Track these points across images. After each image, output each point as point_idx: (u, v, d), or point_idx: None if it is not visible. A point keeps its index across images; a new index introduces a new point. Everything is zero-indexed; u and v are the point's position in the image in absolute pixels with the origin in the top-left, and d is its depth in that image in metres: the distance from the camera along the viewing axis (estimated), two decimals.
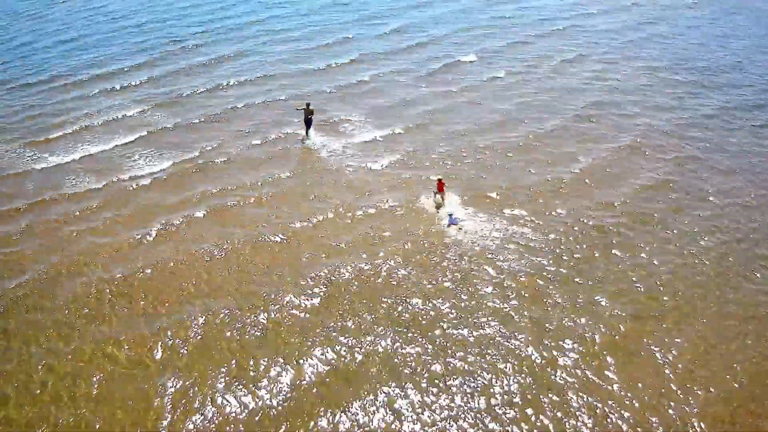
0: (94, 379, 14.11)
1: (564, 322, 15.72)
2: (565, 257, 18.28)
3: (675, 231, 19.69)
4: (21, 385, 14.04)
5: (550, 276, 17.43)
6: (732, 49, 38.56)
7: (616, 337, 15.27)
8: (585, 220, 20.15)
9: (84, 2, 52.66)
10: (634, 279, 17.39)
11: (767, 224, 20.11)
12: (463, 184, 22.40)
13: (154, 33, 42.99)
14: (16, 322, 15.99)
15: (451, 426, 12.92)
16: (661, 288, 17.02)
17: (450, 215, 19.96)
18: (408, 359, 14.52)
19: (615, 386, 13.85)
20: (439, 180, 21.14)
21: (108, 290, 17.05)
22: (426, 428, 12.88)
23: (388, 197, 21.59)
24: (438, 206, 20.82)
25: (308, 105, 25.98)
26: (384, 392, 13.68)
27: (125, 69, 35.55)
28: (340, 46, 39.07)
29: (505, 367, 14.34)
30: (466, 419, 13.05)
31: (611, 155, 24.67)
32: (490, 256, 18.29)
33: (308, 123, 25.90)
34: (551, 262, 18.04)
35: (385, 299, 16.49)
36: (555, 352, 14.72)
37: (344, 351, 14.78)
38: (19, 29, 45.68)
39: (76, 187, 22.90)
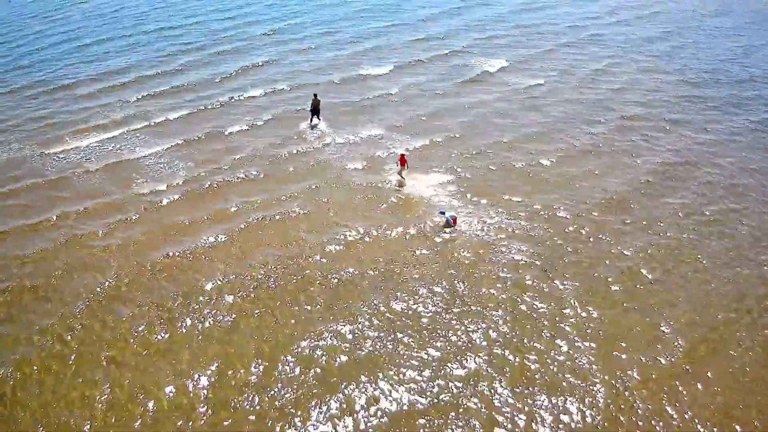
0: None
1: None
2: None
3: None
4: None
5: None
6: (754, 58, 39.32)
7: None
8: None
9: (104, 7, 53.25)
10: None
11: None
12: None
13: (173, 39, 43.54)
14: None
15: None
16: None
17: (447, 216, 20.66)
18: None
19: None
20: (402, 155, 23.36)
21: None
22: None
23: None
24: (400, 183, 23.16)
25: (315, 96, 28.19)
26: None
27: (147, 75, 36.16)
28: (373, 53, 39.73)
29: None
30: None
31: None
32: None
33: (315, 112, 28.22)
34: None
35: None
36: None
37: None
38: (40, 31, 46.37)
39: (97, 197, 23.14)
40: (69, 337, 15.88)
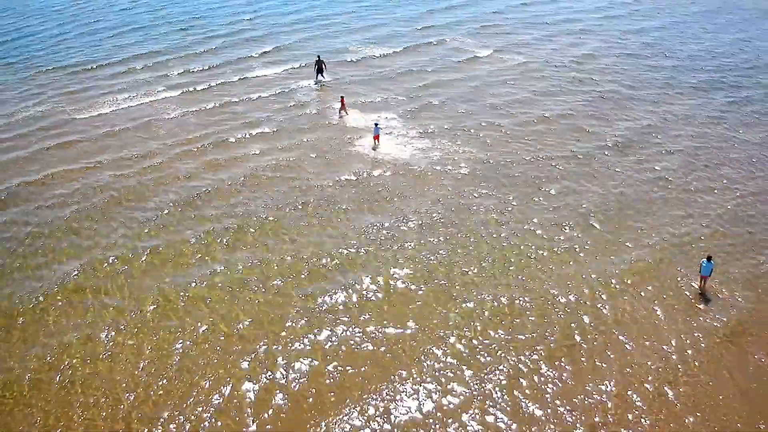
0: None
1: None
2: None
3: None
4: None
5: None
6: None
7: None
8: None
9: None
10: None
11: None
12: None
13: (196, 28, 48.08)
14: None
15: None
16: None
17: (376, 124, 27.40)
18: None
19: None
20: (342, 98, 30.87)
21: None
22: None
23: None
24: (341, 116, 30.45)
25: (318, 56, 35.14)
26: None
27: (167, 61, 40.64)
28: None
29: None
30: None
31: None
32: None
33: (320, 71, 34.84)
34: None
35: None
36: None
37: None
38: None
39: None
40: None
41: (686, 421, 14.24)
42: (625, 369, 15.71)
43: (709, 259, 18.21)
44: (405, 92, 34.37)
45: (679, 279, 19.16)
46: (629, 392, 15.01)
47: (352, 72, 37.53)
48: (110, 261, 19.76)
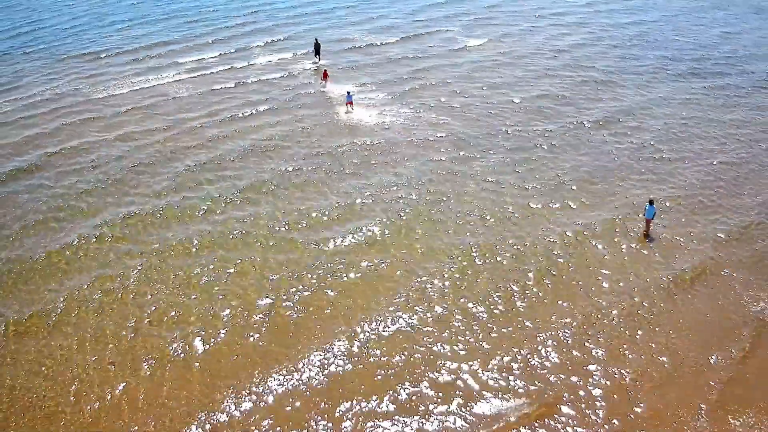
0: None
1: None
2: None
3: None
4: None
5: None
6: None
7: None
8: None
9: None
10: None
11: None
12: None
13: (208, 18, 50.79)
14: None
15: None
16: None
17: (348, 93, 31.45)
18: None
19: None
20: (324, 70, 34.70)
21: None
22: None
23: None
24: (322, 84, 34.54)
25: (316, 40, 39.20)
26: None
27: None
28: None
29: None
30: None
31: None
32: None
33: (317, 52, 38.73)
34: None
35: None
36: None
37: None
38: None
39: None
40: None
41: (640, 345, 16.51)
42: (588, 299, 18.05)
43: (651, 202, 20.76)
44: (396, 75, 37.19)
45: (636, 230, 21.49)
46: (591, 316, 17.36)
47: (350, 57, 40.45)
48: (130, 215, 22.21)
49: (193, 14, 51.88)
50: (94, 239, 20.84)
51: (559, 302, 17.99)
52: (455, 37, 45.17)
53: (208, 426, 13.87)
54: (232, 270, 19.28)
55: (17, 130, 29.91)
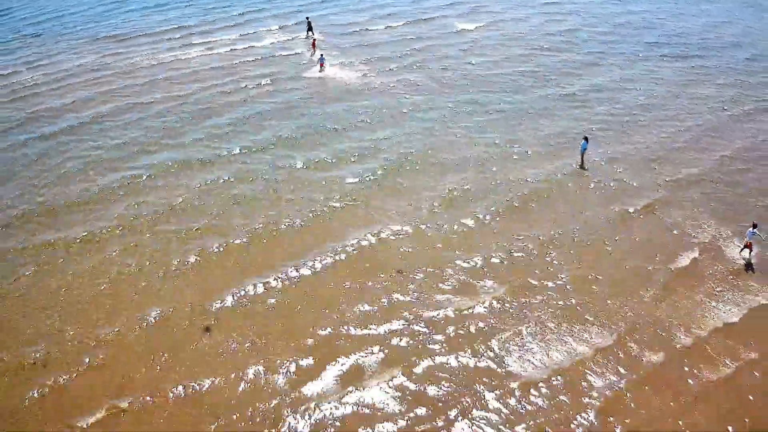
0: None
1: None
2: None
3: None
4: None
5: None
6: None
7: None
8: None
9: None
10: None
11: None
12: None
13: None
14: None
15: None
16: None
17: (321, 56, 37.48)
18: None
19: None
20: (314, 40, 41.30)
21: None
22: None
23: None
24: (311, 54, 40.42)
25: (308, 18, 44.45)
26: None
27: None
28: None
29: None
30: None
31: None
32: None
33: (309, 29, 43.17)
34: None
35: None
36: None
37: None
38: None
39: None
40: None
41: (593, 256, 20.45)
42: (549, 223, 22.04)
43: (585, 139, 25.85)
44: (388, 51, 41.83)
45: (598, 179, 25.42)
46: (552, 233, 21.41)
47: (351, 39, 44.79)
48: (146, 168, 26.42)
49: (207, 2, 56.11)
50: (141, 176, 25.15)
51: (525, 225, 22.15)
52: (453, 23, 49.03)
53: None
54: (266, 191, 23.59)
55: (55, 97, 34.34)
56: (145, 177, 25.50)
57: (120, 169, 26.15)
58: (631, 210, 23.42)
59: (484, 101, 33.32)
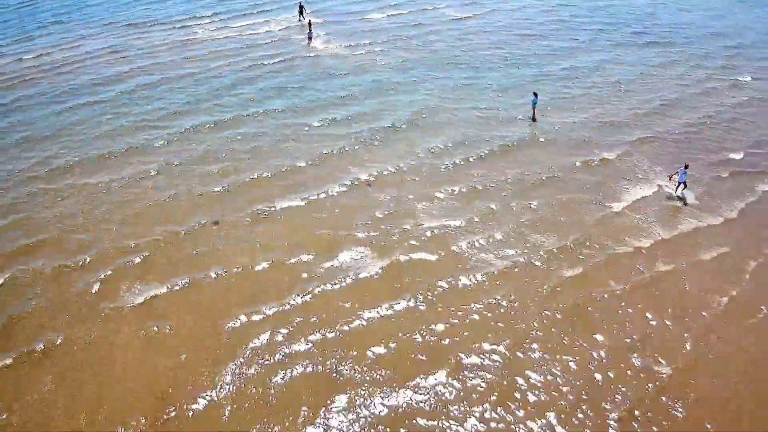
0: None
1: None
2: None
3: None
4: None
5: None
6: None
7: None
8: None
9: None
10: None
11: None
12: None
13: None
14: None
15: None
16: None
17: (309, 30, 44.97)
18: None
19: None
20: (309, 21, 46.14)
21: None
22: None
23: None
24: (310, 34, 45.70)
25: (300, 2, 50.79)
26: None
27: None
28: None
29: None
30: None
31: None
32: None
33: (301, 12, 49.79)
34: None
35: None
36: None
37: None
38: None
39: None
40: None
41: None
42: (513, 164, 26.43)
43: (535, 95, 31.30)
44: (385, 36, 46.67)
45: (562, 137, 29.83)
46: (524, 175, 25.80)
47: (349, 26, 49.73)
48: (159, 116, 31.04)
49: None
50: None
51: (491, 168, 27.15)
52: (451, 12, 53.67)
53: None
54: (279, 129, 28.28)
55: (87, 73, 39.19)
56: (177, 133, 30.38)
57: (155, 128, 30.99)
58: (587, 159, 28.04)
59: (472, 78, 37.89)
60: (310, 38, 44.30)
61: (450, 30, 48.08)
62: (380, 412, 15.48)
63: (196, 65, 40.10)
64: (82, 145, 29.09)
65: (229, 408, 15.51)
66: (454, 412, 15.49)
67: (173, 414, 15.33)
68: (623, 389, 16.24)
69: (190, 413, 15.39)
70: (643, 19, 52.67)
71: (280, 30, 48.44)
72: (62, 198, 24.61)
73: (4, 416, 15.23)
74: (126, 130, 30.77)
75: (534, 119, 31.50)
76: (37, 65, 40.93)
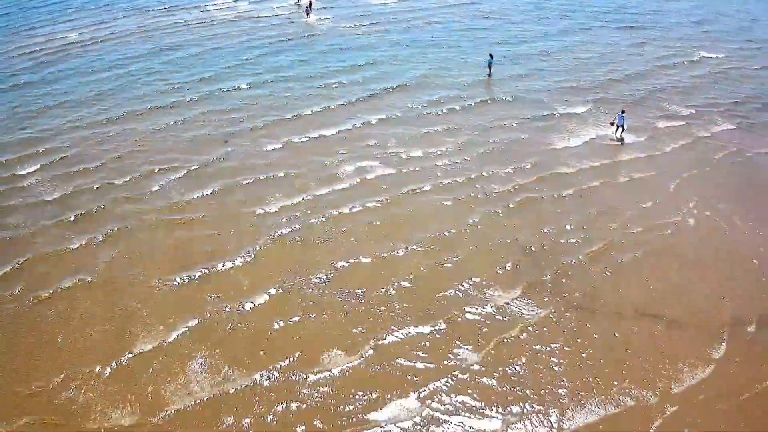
0: None
1: None
2: None
3: None
4: None
5: None
6: None
7: None
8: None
9: None
10: None
11: None
12: None
13: None
14: None
15: None
16: None
17: (308, 5, 51.99)
18: None
19: None
20: (310, 1, 52.73)
21: None
22: None
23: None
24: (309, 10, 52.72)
25: None
26: None
27: None
28: None
29: None
30: None
31: None
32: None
33: None
34: None
35: None
36: None
37: None
38: None
39: None
40: None
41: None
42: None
43: (491, 56, 37.84)
44: (380, 18, 52.95)
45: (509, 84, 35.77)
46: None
47: (349, 11, 55.65)
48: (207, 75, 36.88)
49: None
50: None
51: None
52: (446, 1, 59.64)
53: None
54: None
55: (117, 49, 45.14)
56: (206, 92, 36.60)
57: (186, 90, 37.18)
58: (546, 113, 34.11)
59: (457, 54, 43.76)
60: (308, 13, 51.42)
61: (444, 14, 54.10)
62: None
63: (214, 41, 46.25)
64: (121, 104, 35.15)
65: None
66: None
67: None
68: (552, 253, 22.24)
69: None
70: (627, 7, 58.21)
71: (284, 13, 54.97)
72: (103, 141, 30.59)
73: None
74: (157, 93, 36.68)
75: (490, 75, 38.67)
76: (71, 43, 47.00)
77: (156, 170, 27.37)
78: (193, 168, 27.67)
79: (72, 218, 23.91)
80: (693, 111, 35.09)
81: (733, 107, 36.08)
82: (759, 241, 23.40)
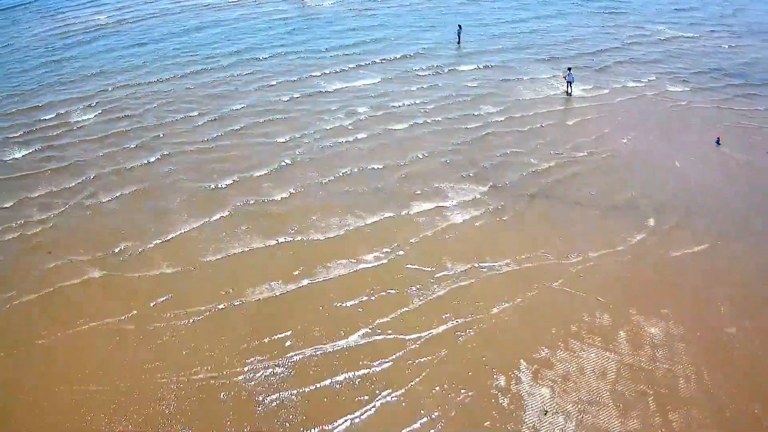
0: None
1: None
2: None
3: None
4: None
5: None
6: None
7: None
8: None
9: None
10: None
11: None
12: None
13: None
14: None
15: None
16: None
17: None
18: None
19: None
20: None
21: None
22: None
23: None
24: None
25: None
26: None
27: None
28: None
29: None
30: None
31: None
32: None
33: None
34: None
35: None
36: None
37: None
38: None
39: None
40: None
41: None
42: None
43: (459, 27, 45.44)
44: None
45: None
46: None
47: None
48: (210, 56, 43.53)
49: None
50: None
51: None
52: None
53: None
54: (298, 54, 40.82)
55: (144, 29, 52.42)
56: (218, 57, 43.87)
57: (212, 60, 44.32)
58: (513, 77, 40.84)
59: (447, 33, 50.21)
60: None
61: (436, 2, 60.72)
62: None
63: (231, 25, 53.32)
64: (152, 71, 42.16)
65: None
66: None
67: None
68: (501, 168, 28.58)
69: None
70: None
71: None
72: (140, 96, 37.80)
73: None
74: (187, 62, 43.82)
75: (459, 43, 46.04)
76: (101, 25, 54.19)
77: (188, 116, 34.61)
78: (221, 112, 34.98)
79: (123, 148, 31.25)
80: (652, 77, 41.19)
81: (692, 76, 41.72)
82: (678, 156, 30.58)
